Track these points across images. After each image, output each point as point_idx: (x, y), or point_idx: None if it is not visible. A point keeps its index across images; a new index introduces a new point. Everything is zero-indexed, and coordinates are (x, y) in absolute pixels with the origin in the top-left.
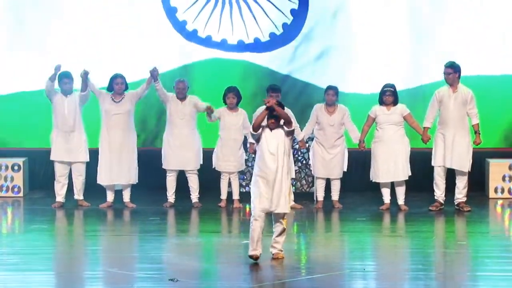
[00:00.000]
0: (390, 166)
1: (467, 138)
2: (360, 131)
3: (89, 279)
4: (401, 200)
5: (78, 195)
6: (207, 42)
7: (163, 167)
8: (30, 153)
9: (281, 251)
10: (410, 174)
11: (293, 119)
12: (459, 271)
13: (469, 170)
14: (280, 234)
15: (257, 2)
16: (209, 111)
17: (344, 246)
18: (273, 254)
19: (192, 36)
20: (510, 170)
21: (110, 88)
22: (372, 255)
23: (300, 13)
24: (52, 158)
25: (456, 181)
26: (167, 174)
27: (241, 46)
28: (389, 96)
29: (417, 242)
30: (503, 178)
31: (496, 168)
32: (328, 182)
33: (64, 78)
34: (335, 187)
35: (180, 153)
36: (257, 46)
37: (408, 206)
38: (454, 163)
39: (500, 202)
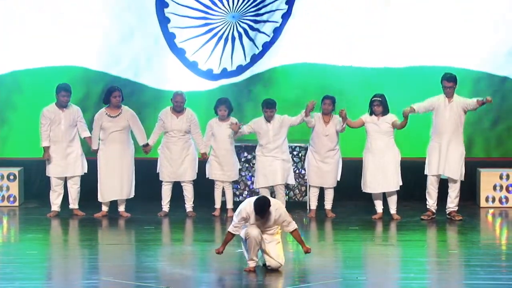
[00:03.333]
0: (380, 176)
1: (460, 147)
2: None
3: None
4: (393, 210)
5: (73, 204)
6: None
7: (160, 179)
8: (26, 162)
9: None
10: (401, 184)
11: (288, 117)
12: (450, 279)
13: (462, 179)
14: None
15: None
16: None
17: (337, 255)
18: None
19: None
20: (501, 180)
21: (106, 100)
22: (364, 264)
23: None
24: (48, 174)
25: (449, 190)
26: (162, 183)
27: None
28: (377, 106)
29: (409, 251)
30: (494, 188)
31: (487, 178)
32: (321, 191)
33: (63, 90)
34: (328, 196)
35: (176, 166)
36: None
37: (400, 215)
38: (447, 171)
39: (491, 211)
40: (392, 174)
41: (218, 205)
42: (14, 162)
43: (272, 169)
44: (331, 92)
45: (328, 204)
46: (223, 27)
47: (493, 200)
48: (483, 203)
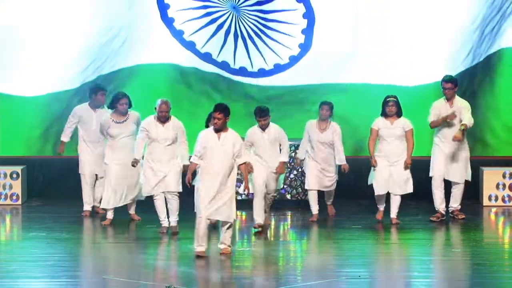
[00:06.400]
0: (389, 178)
1: (464, 150)
2: (367, 147)
3: (87, 286)
4: (394, 214)
5: (96, 202)
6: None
7: (145, 194)
8: (29, 161)
9: (229, 246)
10: (411, 191)
11: (285, 140)
12: (453, 278)
13: (469, 179)
14: (227, 229)
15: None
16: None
17: (340, 253)
18: (221, 250)
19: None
20: (504, 178)
21: (112, 106)
22: (367, 262)
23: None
24: (81, 171)
25: (452, 190)
26: (153, 197)
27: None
28: (392, 106)
29: (412, 249)
30: (497, 186)
31: (490, 176)
32: (321, 192)
33: (103, 89)
34: (329, 193)
35: (161, 176)
36: (261, 73)
37: (402, 217)
38: (452, 175)
39: (494, 209)
40: (403, 178)
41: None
42: (17, 160)
43: (269, 178)
44: None
45: (329, 201)
46: (225, 18)
47: (496, 198)
48: (486, 201)
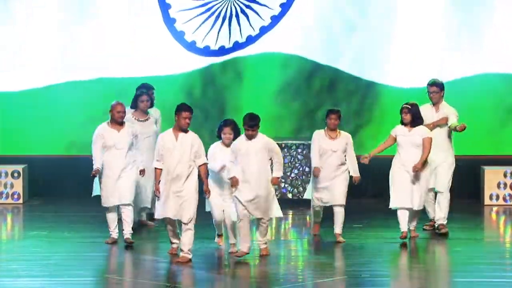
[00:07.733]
0: (408, 192)
1: (449, 159)
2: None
3: (89, 286)
4: (412, 226)
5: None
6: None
7: (103, 205)
8: (30, 160)
9: (188, 253)
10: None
11: (278, 152)
12: (454, 277)
13: (446, 191)
14: (185, 232)
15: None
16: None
17: (342, 252)
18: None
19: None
20: (505, 178)
21: (133, 105)
22: (368, 261)
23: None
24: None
25: (437, 199)
26: (108, 208)
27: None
28: (406, 114)
29: (413, 248)
30: (498, 185)
31: (491, 175)
32: (329, 209)
33: (144, 95)
34: (338, 216)
35: (117, 186)
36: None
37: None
38: (434, 183)
39: (495, 209)
40: (420, 191)
41: (220, 231)
42: (19, 159)
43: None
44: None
45: (338, 228)
46: (220, 5)
47: (497, 197)
48: (487, 201)
